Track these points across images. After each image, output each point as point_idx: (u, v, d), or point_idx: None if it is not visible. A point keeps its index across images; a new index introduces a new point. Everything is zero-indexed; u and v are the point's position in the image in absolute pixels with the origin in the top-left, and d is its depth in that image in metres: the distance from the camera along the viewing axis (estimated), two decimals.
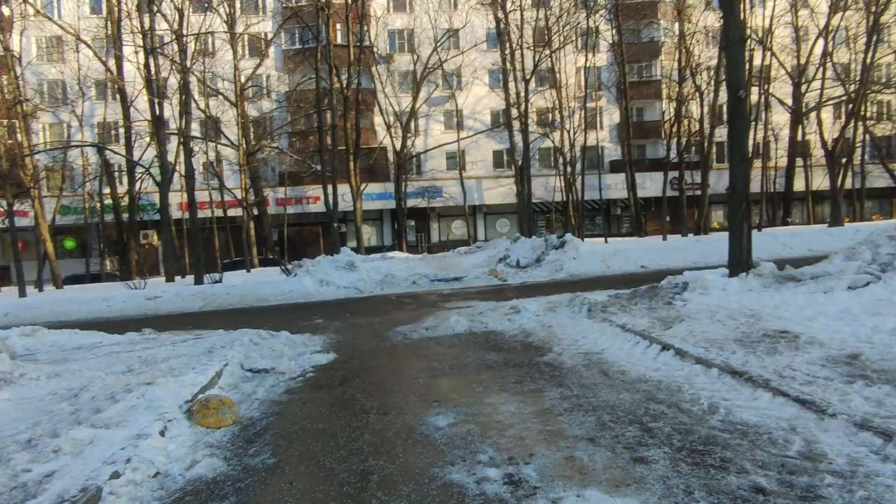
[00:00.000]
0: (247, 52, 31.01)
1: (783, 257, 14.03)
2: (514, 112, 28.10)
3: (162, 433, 4.04)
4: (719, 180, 30.49)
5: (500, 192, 33.57)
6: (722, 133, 30.70)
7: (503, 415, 4.30)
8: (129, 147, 24.18)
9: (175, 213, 26.80)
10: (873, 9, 21.75)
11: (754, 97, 23.39)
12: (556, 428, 3.96)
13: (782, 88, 30.71)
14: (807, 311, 6.06)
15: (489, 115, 34.61)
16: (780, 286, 7.16)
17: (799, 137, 31.74)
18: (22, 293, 16.61)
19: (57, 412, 4.63)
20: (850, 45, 26.98)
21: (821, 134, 24.15)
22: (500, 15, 27.31)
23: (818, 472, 2.97)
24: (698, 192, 28.72)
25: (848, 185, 27.64)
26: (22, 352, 7.71)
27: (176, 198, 26.51)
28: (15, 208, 24.73)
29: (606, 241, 21.52)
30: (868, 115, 27.75)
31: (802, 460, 3.12)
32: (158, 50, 20.00)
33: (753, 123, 19.68)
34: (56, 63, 29.25)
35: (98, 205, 26.64)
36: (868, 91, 23.72)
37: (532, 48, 27.46)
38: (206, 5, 25.00)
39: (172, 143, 25.43)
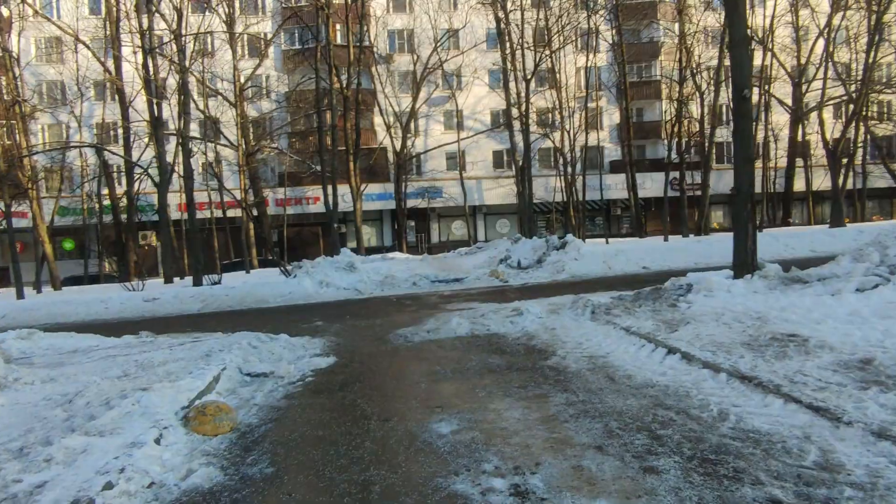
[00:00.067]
0: (246, 52, 30.94)
1: (785, 258, 13.95)
2: (515, 112, 28.01)
3: (157, 441, 3.94)
4: (719, 180, 30.45)
5: (501, 192, 33.49)
6: (722, 133, 30.73)
7: (507, 421, 4.20)
8: (127, 148, 24.08)
9: (174, 214, 26.73)
10: (875, 8, 21.65)
11: (755, 97, 23.30)
12: (563, 435, 3.85)
13: (782, 89, 30.66)
14: (814, 313, 5.95)
15: (489, 116, 34.54)
16: (786, 288, 7.06)
17: (799, 138, 31.70)
18: (20, 295, 16.49)
19: (50, 419, 4.52)
20: (852, 45, 26.91)
21: (822, 134, 24.07)
22: (501, 15, 27.23)
23: (837, 483, 2.87)
24: (698, 193, 28.64)
25: (849, 185, 27.57)
26: (18, 355, 7.60)
27: (175, 198, 26.43)
28: (13, 209, 24.69)
29: (607, 242, 21.43)
30: (869, 115, 27.65)
31: (819, 471, 3.01)
32: (157, 50, 19.89)
33: (754, 124, 19.57)
34: (55, 64, 29.16)
35: (97, 206, 26.53)
36: (870, 91, 23.61)
37: (533, 48, 27.38)
38: (206, 5, 24.90)
39: (172, 144, 25.34)
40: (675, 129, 26.44)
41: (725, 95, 26.54)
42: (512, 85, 28.14)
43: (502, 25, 27.71)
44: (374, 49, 31.17)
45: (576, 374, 5.31)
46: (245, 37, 29.84)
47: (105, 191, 26.38)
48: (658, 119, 34.92)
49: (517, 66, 27.38)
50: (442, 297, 12.26)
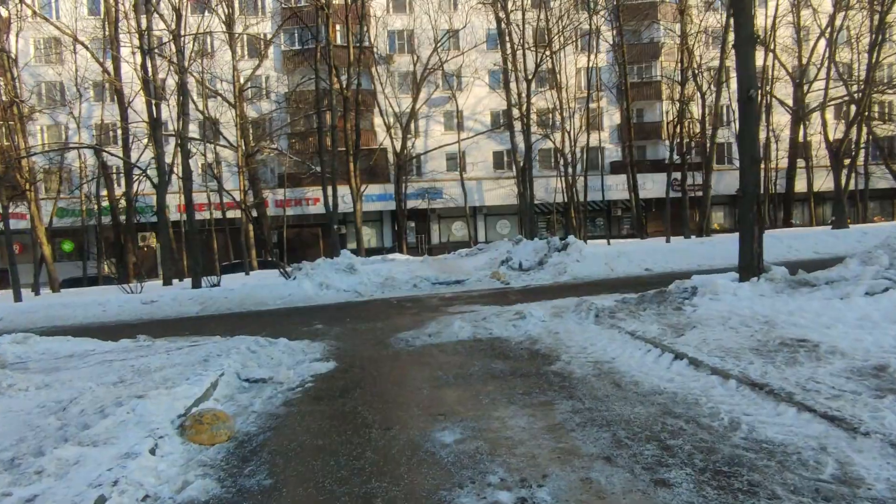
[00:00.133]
0: (246, 52, 30.84)
1: (789, 260, 13.83)
2: (516, 112, 27.91)
3: (152, 451, 3.83)
4: (719, 181, 30.34)
5: (501, 193, 33.39)
6: (723, 134, 30.62)
7: (512, 430, 4.09)
8: (126, 149, 23.98)
9: (173, 215, 26.63)
10: (878, 8, 21.55)
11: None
12: (570, 445, 3.74)
13: (783, 89, 30.57)
14: (823, 317, 5.84)
15: (489, 116, 34.45)
16: (793, 291, 6.95)
17: (800, 139, 31.61)
18: (17, 297, 16.37)
19: (44, 427, 4.41)
20: (854, 46, 26.82)
21: (825, 135, 23.96)
22: (501, 15, 27.14)
23: (857, 498, 2.76)
24: (699, 194, 28.54)
25: (850, 186, 27.45)
26: (13, 360, 7.50)
27: (174, 200, 26.33)
28: (12, 211, 24.58)
29: (609, 243, 21.33)
30: (871, 115, 27.55)
31: (838, 485, 2.91)
32: (156, 51, 19.78)
33: None
34: (54, 64, 29.06)
35: (95, 207, 26.42)
36: (873, 91, 23.51)
37: (534, 49, 27.29)
38: (205, 5, 24.81)
39: (171, 145, 25.24)
40: (677, 130, 26.32)
41: (727, 96, 26.44)
42: (513, 85, 28.04)
43: (503, 25, 27.62)
44: (374, 49, 31.07)
45: (581, 381, 5.20)
46: (245, 37, 29.74)
47: (104, 192, 26.27)
48: (658, 120, 34.84)
49: (518, 67, 27.29)
50: (443, 300, 12.14)
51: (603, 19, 29.12)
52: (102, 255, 27.40)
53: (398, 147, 30.32)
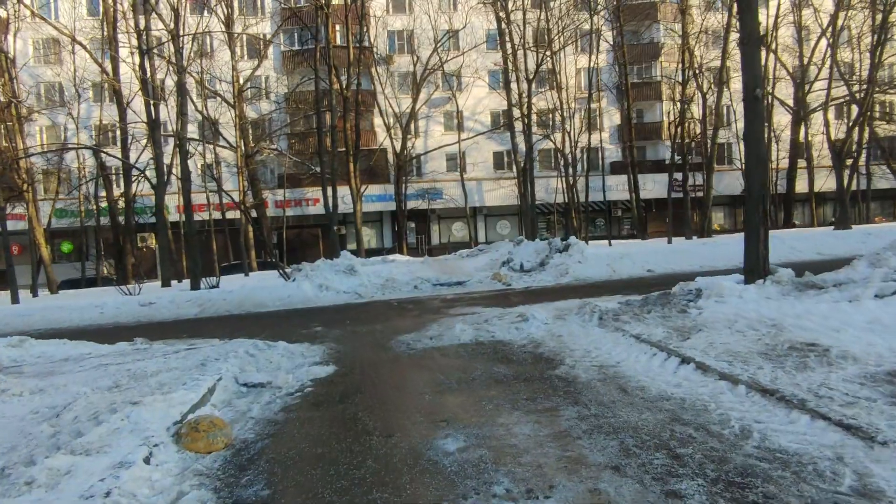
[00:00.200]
0: (245, 53, 30.75)
1: (792, 261, 13.71)
2: (516, 112, 27.81)
3: (147, 460, 3.72)
4: (719, 182, 30.24)
5: (501, 193, 33.31)
6: (723, 134, 30.51)
7: (517, 437, 3.98)
8: (125, 149, 23.86)
9: (173, 216, 26.54)
10: (881, 7, 21.46)
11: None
12: (577, 454, 3.63)
13: (784, 90, 30.48)
14: (832, 321, 5.74)
15: (489, 117, 34.35)
16: (800, 294, 6.85)
17: (801, 139, 31.53)
18: (14, 299, 16.25)
19: (36, 435, 4.30)
20: (856, 45, 26.72)
21: (827, 135, 23.85)
22: (502, 14, 27.05)
23: None
24: (700, 194, 28.46)
25: (852, 186, 27.35)
26: (8, 364, 7.39)
27: (173, 200, 26.24)
28: (10, 212, 24.46)
29: (610, 244, 21.23)
30: (873, 115, 27.44)
31: (857, 498, 2.80)
32: (154, 51, 19.68)
33: None
34: (53, 65, 28.95)
35: (94, 208, 26.31)
36: (875, 91, 23.41)
37: (535, 49, 27.20)
38: (204, 5, 24.71)
39: (170, 146, 25.12)
40: (679, 131, 26.21)
41: (728, 96, 26.34)
42: (513, 85, 27.95)
43: (503, 25, 27.52)
44: (374, 50, 30.98)
45: (586, 385, 5.09)
46: (244, 38, 29.65)
47: (102, 193, 26.16)
48: (658, 120, 34.76)
49: (518, 67, 27.19)
50: (444, 301, 12.04)
51: (603, 19, 29.02)
52: (101, 257, 27.29)
53: (398, 147, 30.22)
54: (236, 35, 27.16)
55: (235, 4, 28.14)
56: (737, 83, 27.90)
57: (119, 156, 23.31)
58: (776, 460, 3.28)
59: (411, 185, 31.72)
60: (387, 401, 5.15)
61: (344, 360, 6.95)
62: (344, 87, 24.55)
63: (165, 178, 19.95)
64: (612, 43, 29.88)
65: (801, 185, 32.78)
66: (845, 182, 22.91)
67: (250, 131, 29.06)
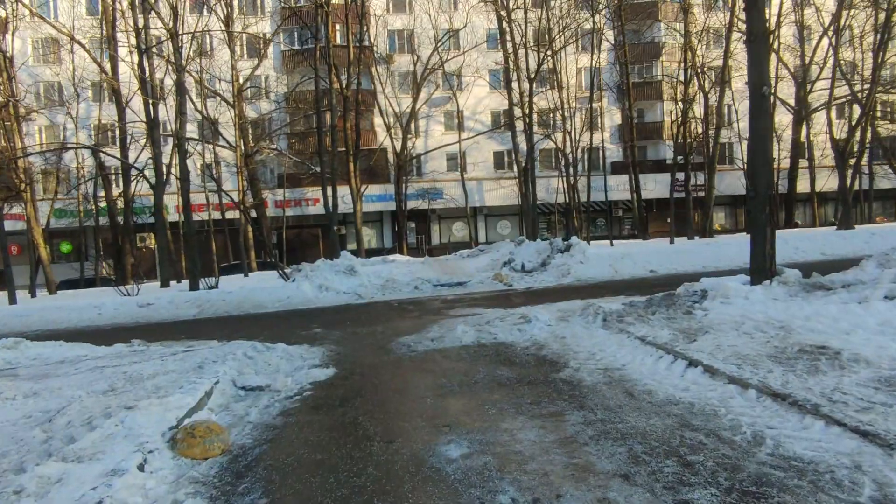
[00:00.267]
0: (245, 52, 30.64)
1: (796, 261, 13.62)
2: (518, 112, 27.69)
3: (141, 467, 3.60)
4: (720, 182, 30.14)
5: (502, 193, 33.20)
6: (724, 134, 30.39)
7: (522, 444, 3.87)
8: (124, 149, 23.74)
9: (172, 216, 26.43)
10: (884, 6, 21.34)
11: None
12: (584, 461, 3.52)
13: (785, 89, 30.35)
14: (842, 323, 5.63)
15: (489, 116, 34.25)
16: (807, 295, 6.73)
17: (802, 138, 31.41)
18: (12, 300, 16.13)
19: (27, 441, 4.19)
20: (857, 45, 26.60)
21: (830, 134, 23.73)
22: (503, 13, 26.95)
23: None
24: (701, 194, 28.35)
25: (854, 186, 27.23)
26: (3, 366, 7.29)
27: (173, 200, 26.13)
28: (9, 212, 24.36)
29: (612, 244, 21.12)
30: (877, 114, 27.34)
31: None
32: (153, 50, 19.56)
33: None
34: (52, 64, 28.84)
35: (93, 208, 26.20)
36: (877, 91, 23.30)
37: (536, 48, 27.09)
38: (204, 3, 24.61)
39: (169, 145, 25.00)
40: (682, 130, 26.08)
41: (730, 95, 26.21)
42: (514, 84, 27.84)
43: (504, 24, 27.41)
44: (374, 49, 30.86)
45: (591, 389, 4.98)
46: (244, 37, 29.55)
47: (101, 193, 26.05)
48: (659, 120, 34.66)
49: (520, 66, 27.09)
50: (445, 302, 11.93)
51: (604, 18, 28.91)
52: (100, 257, 27.17)
53: (398, 147, 30.11)
54: (236, 34, 27.05)
55: (235, 3, 28.04)
56: (738, 82, 27.84)
57: (118, 155, 23.19)
58: (791, 469, 3.17)
59: (411, 184, 31.62)
60: (387, 405, 5.04)
61: (344, 362, 6.84)
62: (344, 86, 24.44)
63: (164, 177, 19.83)
64: (613, 42, 29.77)
65: (801, 185, 32.67)
66: (848, 182, 22.78)
67: (250, 131, 28.95)
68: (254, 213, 26.90)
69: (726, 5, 26.42)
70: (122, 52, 23.45)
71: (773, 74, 27.40)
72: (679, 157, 26.51)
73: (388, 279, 14.68)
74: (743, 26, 24.46)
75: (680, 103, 26.05)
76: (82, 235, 27.52)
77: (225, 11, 26.29)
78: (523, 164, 28.59)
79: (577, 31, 28.13)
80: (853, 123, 23.51)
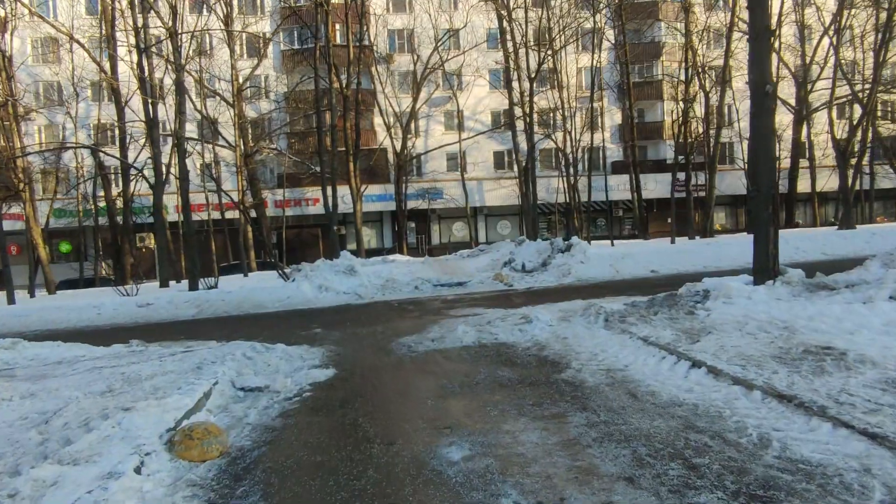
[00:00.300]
0: (244, 52, 30.58)
1: (797, 261, 13.55)
2: (518, 111, 27.63)
3: (137, 470, 3.55)
4: (720, 182, 30.07)
5: (502, 193, 33.14)
6: (726, 134, 30.34)
7: (524, 446, 3.81)
8: (123, 149, 23.68)
9: (172, 216, 26.37)
10: (886, 5, 21.29)
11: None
12: (587, 463, 3.47)
13: (786, 89, 30.30)
14: (846, 323, 5.58)
15: (490, 116, 34.19)
16: (811, 295, 6.68)
17: (803, 138, 31.36)
18: (11, 300, 16.08)
19: (23, 443, 4.13)
20: (857, 44, 26.55)
21: (832, 134, 23.67)
22: (503, 12, 26.90)
23: None
24: (702, 194, 28.29)
25: (855, 186, 27.18)
26: (0, 366, 7.23)
27: (172, 200, 26.07)
28: (8, 212, 24.30)
29: (612, 244, 21.07)
30: (878, 114, 27.29)
31: None
32: (153, 49, 19.51)
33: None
34: (51, 64, 28.78)
35: (92, 208, 26.15)
36: (879, 90, 23.25)
37: (536, 48, 27.04)
38: (203, 3, 24.55)
39: (169, 145, 24.94)
40: (683, 130, 26.02)
41: (731, 94, 26.15)
42: (515, 84, 27.79)
43: (505, 23, 27.36)
44: (374, 49, 30.80)
45: (594, 390, 4.92)
46: (243, 36, 29.49)
47: (101, 193, 25.99)
48: (660, 120, 34.60)
49: (520, 65, 27.03)
50: (445, 302, 11.87)
51: (605, 18, 28.85)
52: (99, 257, 27.11)
53: (398, 147, 30.05)
54: (235, 33, 26.99)
55: (235, 3, 27.98)
56: (739, 82, 27.80)
57: (117, 155, 23.13)
58: (799, 472, 3.12)
59: (411, 184, 31.56)
60: (388, 406, 4.99)
61: (344, 363, 6.79)
62: (344, 86, 24.38)
63: (164, 177, 19.76)
64: (613, 42, 29.71)
65: (802, 185, 32.62)
66: (849, 182, 22.73)
67: (250, 130, 28.89)
68: (253, 213, 26.85)
69: (727, 5, 26.35)
70: (122, 51, 23.38)
71: (773, 74, 27.44)
72: (680, 157, 26.45)
73: (388, 279, 14.62)
74: (743, 26, 24.47)
75: (681, 103, 25.98)
76: (81, 235, 27.46)
77: (224, 10, 26.24)
78: (524, 164, 28.53)
79: (577, 30, 28.06)
80: (854, 123, 23.44)
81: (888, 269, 6.32)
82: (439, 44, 29.25)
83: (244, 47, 30.70)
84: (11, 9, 23.75)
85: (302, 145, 30.72)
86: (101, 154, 23.21)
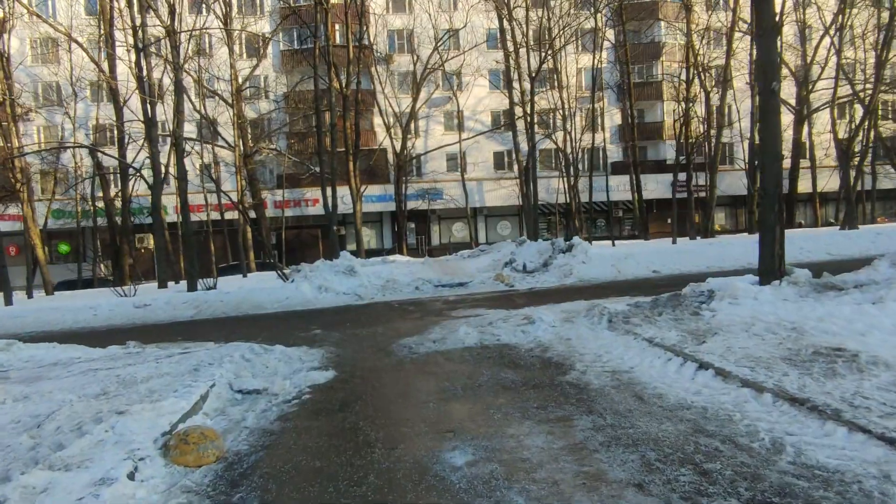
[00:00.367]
0: (244, 52, 30.48)
1: (801, 261, 13.42)
2: (518, 111, 27.52)
3: (131, 476, 3.45)
4: (721, 182, 29.94)
5: (502, 193, 33.04)
6: (726, 134, 30.24)
7: (530, 450, 3.71)
8: (121, 149, 23.56)
9: (171, 217, 26.26)
10: (887, 5, 21.20)
11: (757, 98, 22.71)
12: (595, 469, 3.37)
13: (786, 89, 30.18)
14: (857, 324, 5.47)
15: (490, 116, 34.10)
16: (819, 295, 6.58)
17: (804, 138, 31.26)
18: (8, 301, 15.95)
19: (14, 447, 4.03)
20: (860, 44, 26.47)
21: (834, 133, 23.58)
22: (504, 12, 26.80)
23: None
24: (702, 194, 28.18)
25: (857, 186, 27.07)
26: None
27: (171, 200, 25.95)
28: (5, 212, 24.19)
29: (614, 244, 20.97)
30: (878, 114, 27.19)
31: None
32: (151, 48, 19.39)
33: (757, 125, 18.98)
34: (50, 64, 28.66)
35: (90, 208, 26.02)
36: (881, 90, 23.16)
37: (537, 48, 26.94)
38: (202, 2, 24.45)
39: (168, 145, 24.83)
40: (684, 130, 25.92)
41: (731, 94, 26.04)
42: (515, 84, 27.69)
43: (505, 23, 27.26)
44: (374, 48, 30.70)
45: (599, 393, 4.82)
46: (243, 36, 29.38)
47: (99, 193, 25.87)
48: (660, 120, 34.50)
49: (520, 65, 26.94)
50: (446, 303, 11.76)
51: (605, 18, 28.75)
52: (98, 258, 26.98)
53: (398, 147, 29.94)
54: (235, 33, 26.89)
55: (234, 2, 27.86)
56: (740, 82, 27.72)
57: (116, 155, 23.00)
58: (815, 478, 3.01)
59: (411, 185, 31.45)
60: (389, 409, 4.88)
61: (344, 364, 6.67)
62: (343, 86, 24.27)
63: (162, 177, 19.62)
64: (613, 42, 29.61)
65: (802, 186, 32.52)
66: (851, 182, 22.63)
67: (249, 131, 28.77)
68: (253, 214, 26.73)
69: (727, 4, 26.26)
70: (120, 51, 23.26)
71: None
72: (681, 157, 26.35)
73: (388, 280, 14.51)
74: (744, 25, 24.39)
75: (682, 103, 25.88)
76: (80, 236, 27.31)
77: (224, 10, 26.12)
78: (524, 164, 28.42)
79: (577, 30, 27.97)
80: (856, 123, 23.35)
81: None
82: (439, 44, 29.15)
83: (243, 47, 30.59)
84: (10, 8, 23.63)
85: (301, 145, 30.61)
86: (100, 154, 23.08)
